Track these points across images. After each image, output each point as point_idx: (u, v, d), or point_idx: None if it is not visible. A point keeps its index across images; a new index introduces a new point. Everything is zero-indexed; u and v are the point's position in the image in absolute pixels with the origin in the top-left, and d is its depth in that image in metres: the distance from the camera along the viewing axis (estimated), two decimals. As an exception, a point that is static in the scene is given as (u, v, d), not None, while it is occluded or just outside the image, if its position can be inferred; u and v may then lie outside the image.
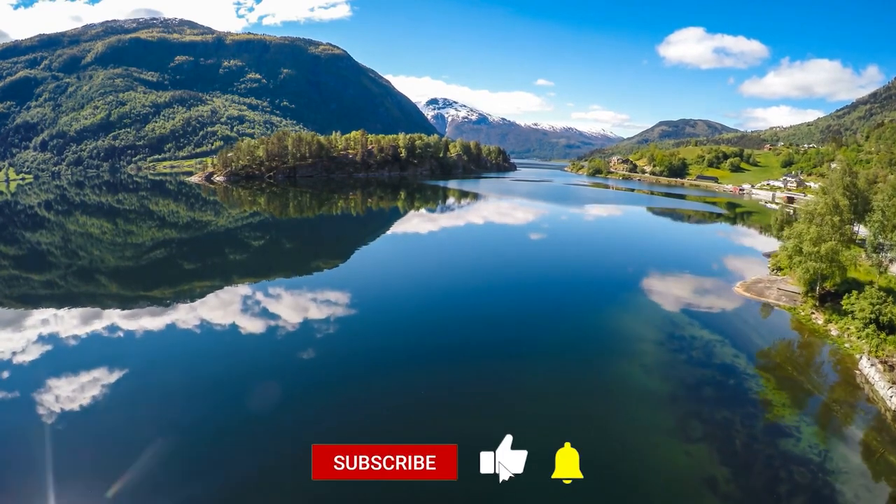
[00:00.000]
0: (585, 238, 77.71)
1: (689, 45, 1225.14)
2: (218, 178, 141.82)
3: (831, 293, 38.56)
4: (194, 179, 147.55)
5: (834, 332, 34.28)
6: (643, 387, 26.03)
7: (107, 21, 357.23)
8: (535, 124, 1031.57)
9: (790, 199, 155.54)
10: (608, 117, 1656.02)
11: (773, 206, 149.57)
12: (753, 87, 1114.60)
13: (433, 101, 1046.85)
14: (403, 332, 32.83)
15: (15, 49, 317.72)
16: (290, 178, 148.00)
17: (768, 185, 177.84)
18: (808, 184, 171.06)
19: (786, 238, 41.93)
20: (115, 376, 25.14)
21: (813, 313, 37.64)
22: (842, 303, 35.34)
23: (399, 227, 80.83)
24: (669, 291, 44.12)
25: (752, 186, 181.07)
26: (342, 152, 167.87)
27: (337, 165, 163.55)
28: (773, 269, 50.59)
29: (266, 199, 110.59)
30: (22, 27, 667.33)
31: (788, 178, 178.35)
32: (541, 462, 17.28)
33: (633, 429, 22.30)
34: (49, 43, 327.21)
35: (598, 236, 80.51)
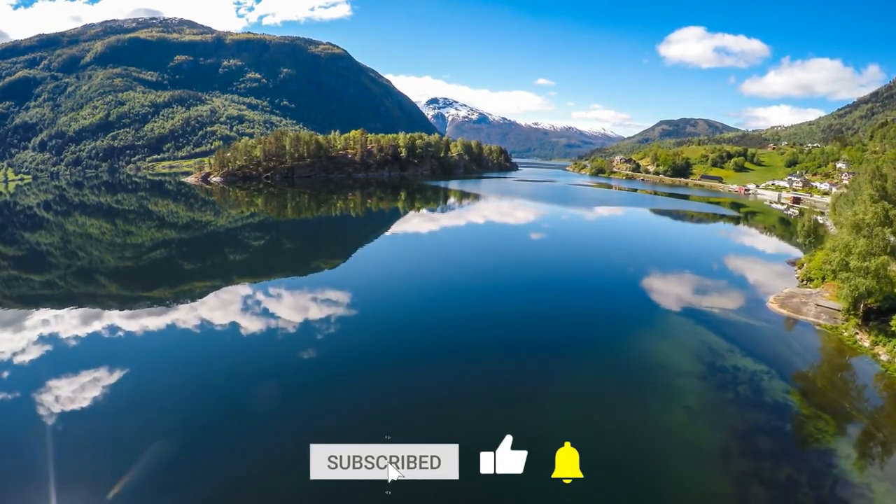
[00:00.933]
0: (593, 240, 76.00)
1: (689, 45, 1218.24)
2: (214, 179, 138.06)
3: (874, 310, 34.34)
4: (191, 180, 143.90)
5: (883, 357, 30.36)
6: (686, 433, 22.46)
7: (106, 21, 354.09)
8: (536, 124, 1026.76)
9: (796, 200, 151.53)
10: (609, 116, 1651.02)
11: (779, 206, 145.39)
12: (754, 86, 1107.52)
13: (433, 101, 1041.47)
14: (404, 331, 32.59)
15: (14, 49, 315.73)
16: (287, 179, 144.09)
17: (773, 185, 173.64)
18: (813, 184, 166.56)
19: (830, 250, 37.64)
20: (115, 377, 24.99)
21: (857, 333, 33.64)
22: (891, 323, 31.04)
23: (399, 228, 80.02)
24: (693, 302, 40.98)
25: (757, 186, 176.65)
26: (341, 152, 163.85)
27: (336, 165, 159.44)
28: (803, 281, 46.36)
29: (263, 199, 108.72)
30: (22, 27, 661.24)
31: (793, 178, 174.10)
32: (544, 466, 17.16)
33: (679, 487, 19.05)
34: (48, 43, 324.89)
35: (606, 238, 78.29)
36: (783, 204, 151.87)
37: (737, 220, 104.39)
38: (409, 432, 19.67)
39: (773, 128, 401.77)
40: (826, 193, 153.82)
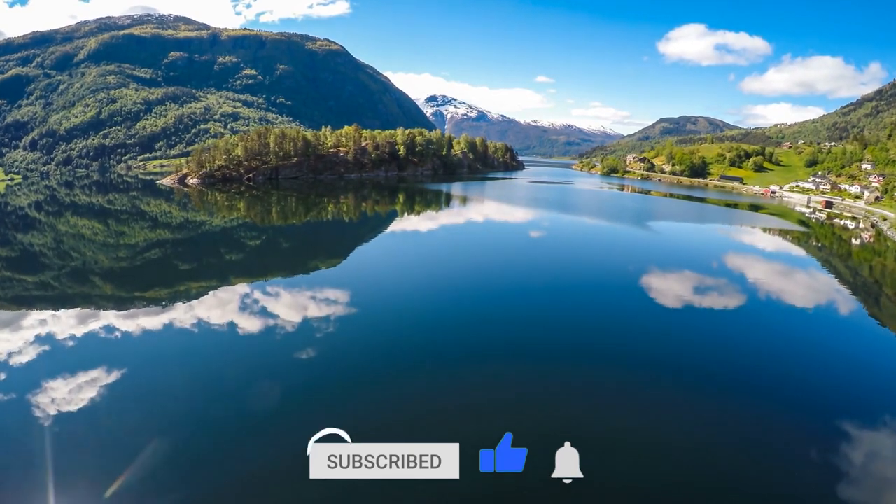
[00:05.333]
0: (620, 249, 65.63)
1: (689, 42, 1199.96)
2: (192, 181, 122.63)
3: None
4: (166, 182, 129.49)
5: None
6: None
7: (101, 18, 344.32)
8: (535, 121, 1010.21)
9: (828, 204, 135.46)
10: (609, 114, 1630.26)
11: (805, 209, 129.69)
12: (754, 83, 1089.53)
13: (432, 98, 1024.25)
14: (404, 331, 31.62)
15: (7, 47, 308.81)
16: (271, 180, 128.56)
17: (798, 186, 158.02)
18: (841, 186, 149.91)
19: None
20: (112, 377, 24.58)
21: None
22: None
23: (398, 227, 77.75)
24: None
25: (781, 188, 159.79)
26: (332, 150, 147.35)
27: (326, 165, 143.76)
28: None
29: (245, 204, 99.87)
30: (18, 25, 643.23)
31: (818, 180, 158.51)
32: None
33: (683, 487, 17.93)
34: (42, 40, 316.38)
35: (633, 249, 65.22)
36: (810, 208, 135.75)
37: (822, 242, 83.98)
38: (409, 431, 19.43)
39: (776, 125, 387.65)
40: (858, 197, 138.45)
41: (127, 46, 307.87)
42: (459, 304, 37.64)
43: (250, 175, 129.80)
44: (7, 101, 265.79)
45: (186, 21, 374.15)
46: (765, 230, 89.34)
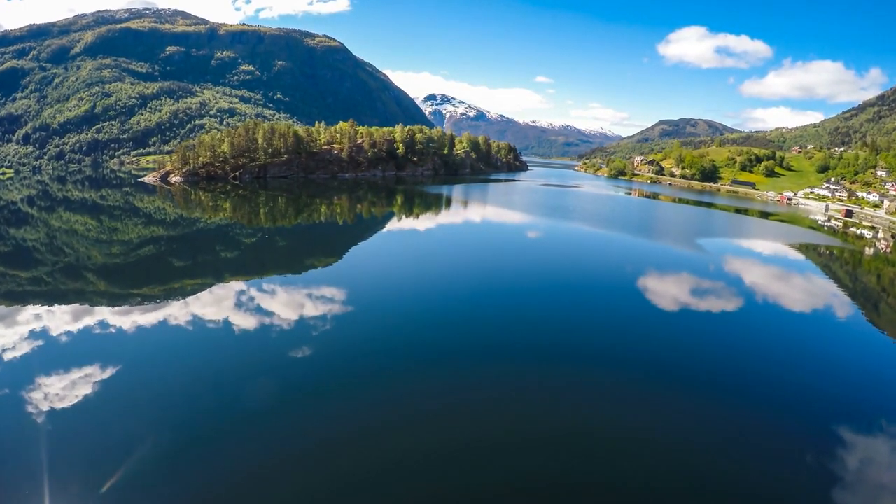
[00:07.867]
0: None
1: (690, 44, 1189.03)
2: (175, 179, 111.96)
3: None
4: (149, 179, 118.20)
5: None
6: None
7: (98, 11, 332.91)
8: (534, 122, 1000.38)
9: (849, 213, 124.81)
10: (608, 115, 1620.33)
11: (821, 217, 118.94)
12: (754, 87, 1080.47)
13: (431, 97, 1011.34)
14: (404, 332, 30.99)
15: (3, 39, 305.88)
16: (258, 179, 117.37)
17: (813, 193, 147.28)
18: (859, 194, 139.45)
19: None
20: (106, 373, 24.11)
21: None
22: None
23: (395, 226, 75.92)
24: None
25: (796, 194, 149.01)
26: (325, 147, 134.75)
27: (318, 164, 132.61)
28: None
29: (231, 205, 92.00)
30: (15, 17, 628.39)
31: (833, 186, 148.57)
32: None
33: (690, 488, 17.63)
34: (39, 33, 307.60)
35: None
36: (827, 216, 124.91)
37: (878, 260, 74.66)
38: (405, 430, 19.34)
39: (777, 129, 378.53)
40: (877, 206, 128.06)
41: (124, 40, 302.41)
42: (461, 308, 36.84)
43: (236, 174, 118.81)
44: (1, 94, 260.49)
45: (184, 15, 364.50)
46: (800, 247, 78.01)
